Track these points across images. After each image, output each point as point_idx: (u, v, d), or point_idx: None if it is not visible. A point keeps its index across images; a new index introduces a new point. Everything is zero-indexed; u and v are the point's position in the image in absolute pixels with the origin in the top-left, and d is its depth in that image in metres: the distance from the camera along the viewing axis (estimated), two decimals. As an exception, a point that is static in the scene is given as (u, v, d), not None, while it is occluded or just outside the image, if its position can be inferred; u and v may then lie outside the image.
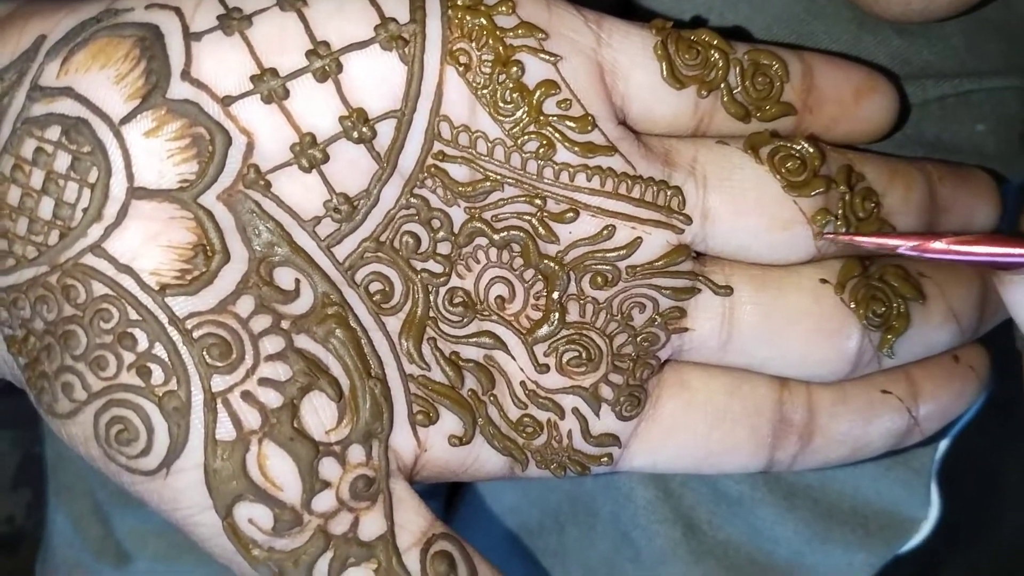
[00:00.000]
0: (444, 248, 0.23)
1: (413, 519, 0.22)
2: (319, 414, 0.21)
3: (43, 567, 0.40)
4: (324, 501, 0.21)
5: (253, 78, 0.21)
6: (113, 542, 0.34)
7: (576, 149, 0.22)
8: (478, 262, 0.23)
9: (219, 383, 0.21)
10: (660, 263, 0.23)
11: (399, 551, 0.22)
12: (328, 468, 0.21)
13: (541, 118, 0.22)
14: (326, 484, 0.21)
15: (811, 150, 0.23)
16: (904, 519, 0.31)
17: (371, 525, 0.22)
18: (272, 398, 0.21)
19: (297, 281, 0.22)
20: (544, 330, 0.23)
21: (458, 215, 0.22)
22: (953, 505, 0.33)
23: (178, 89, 0.20)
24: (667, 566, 0.30)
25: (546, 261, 0.23)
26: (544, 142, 0.22)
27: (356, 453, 0.22)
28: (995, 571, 0.35)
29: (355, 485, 0.22)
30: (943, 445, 0.33)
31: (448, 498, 0.38)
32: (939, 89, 0.27)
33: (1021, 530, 0.34)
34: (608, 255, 0.23)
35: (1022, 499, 0.35)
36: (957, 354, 0.26)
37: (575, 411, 0.24)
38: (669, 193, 0.23)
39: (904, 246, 0.22)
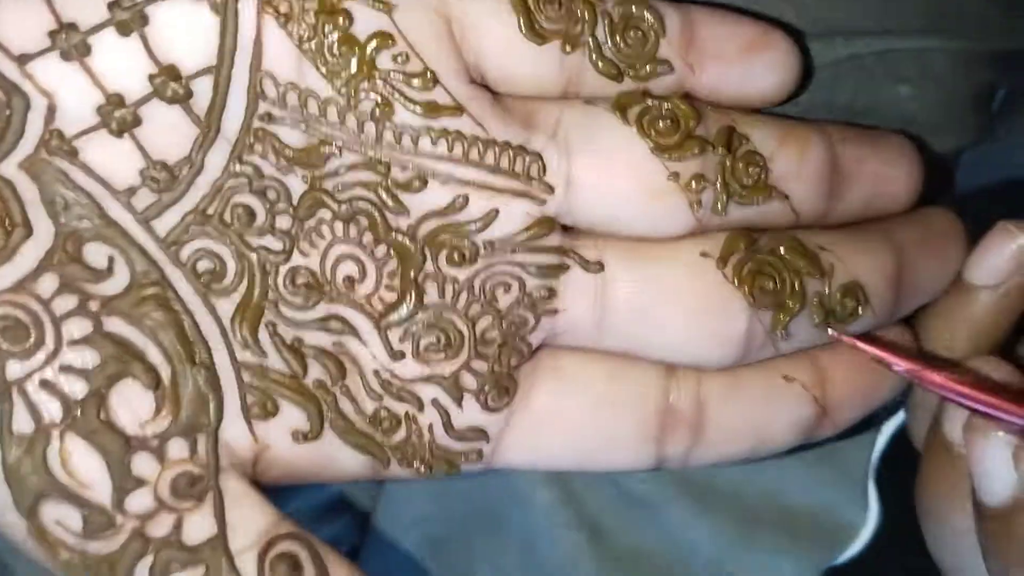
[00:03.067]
0: (283, 222, 0.21)
1: (251, 519, 0.20)
2: (132, 405, 0.19)
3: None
4: (140, 501, 0.19)
5: (51, 34, 0.19)
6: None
7: (417, 109, 0.20)
8: (323, 237, 0.21)
9: (15, 370, 0.19)
10: (523, 237, 0.21)
11: (231, 555, 0.20)
12: (143, 464, 0.19)
13: (375, 73, 0.20)
14: (141, 482, 0.19)
15: (684, 108, 0.21)
16: (837, 525, 0.29)
17: (198, 527, 0.20)
18: (76, 387, 0.19)
19: (110, 258, 0.20)
20: (399, 313, 0.21)
21: (296, 185, 0.20)
22: (895, 510, 0.30)
23: None
24: (575, 574, 0.27)
25: (397, 235, 0.21)
26: (380, 101, 0.20)
27: (177, 448, 0.20)
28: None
29: (176, 483, 0.20)
30: (880, 443, 0.30)
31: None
32: (851, 47, 0.25)
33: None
34: (463, 228, 0.21)
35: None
36: (873, 336, 0.24)
37: (435, 403, 0.22)
38: (528, 159, 0.21)
39: (900, 367, 0.22)
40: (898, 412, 0.31)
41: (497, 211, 0.21)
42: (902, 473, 0.30)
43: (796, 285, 0.22)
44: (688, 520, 0.27)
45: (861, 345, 0.22)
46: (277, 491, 0.22)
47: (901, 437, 0.30)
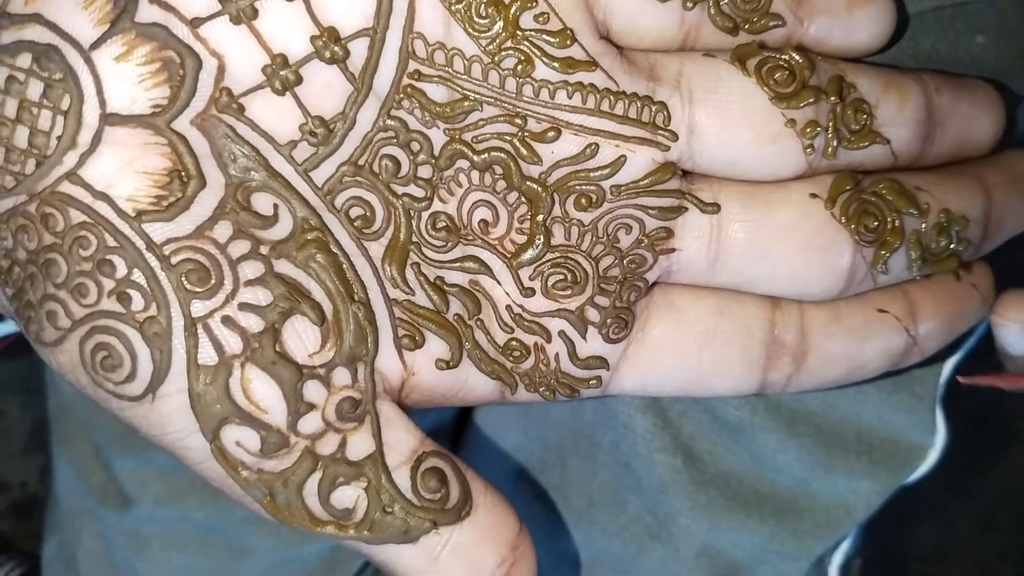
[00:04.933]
0: (425, 172, 0.22)
1: (402, 438, 0.22)
2: (302, 338, 0.21)
3: (51, 518, 0.41)
4: (310, 423, 0.21)
5: None
6: (115, 486, 0.35)
7: (555, 65, 0.21)
8: (460, 185, 0.22)
9: (199, 308, 0.21)
10: (646, 182, 0.23)
11: (388, 469, 0.22)
12: (313, 391, 0.21)
13: (518, 33, 0.21)
14: (311, 406, 0.21)
15: (799, 60, 0.22)
16: (909, 446, 0.31)
17: (359, 445, 0.22)
18: (253, 322, 0.21)
19: (275, 206, 0.21)
20: (529, 254, 0.23)
21: (438, 137, 0.22)
22: (961, 435, 0.32)
23: (147, 12, 0.20)
24: (669, 496, 0.29)
25: (529, 183, 0.22)
26: (522, 58, 0.21)
27: (341, 376, 0.22)
28: (1006, 502, 0.34)
29: (341, 407, 0.22)
30: (947, 369, 0.32)
31: (453, 442, 0.38)
32: (934, 0, 0.26)
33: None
34: (592, 175, 0.22)
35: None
36: (959, 272, 0.25)
37: (562, 334, 0.23)
38: (654, 109, 0.22)
39: None
40: (961, 346, 0.32)
41: (624, 158, 0.22)
42: (966, 401, 0.32)
43: (896, 223, 0.23)
44: (777, 445, 0.29)
45: (1000, 382, 0.24)
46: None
47: (963, 368, 0.32)
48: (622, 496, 0.30)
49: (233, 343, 0.21)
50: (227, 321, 0.21)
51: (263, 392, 0.21)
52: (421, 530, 0.22)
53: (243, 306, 0.21)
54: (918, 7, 0.26)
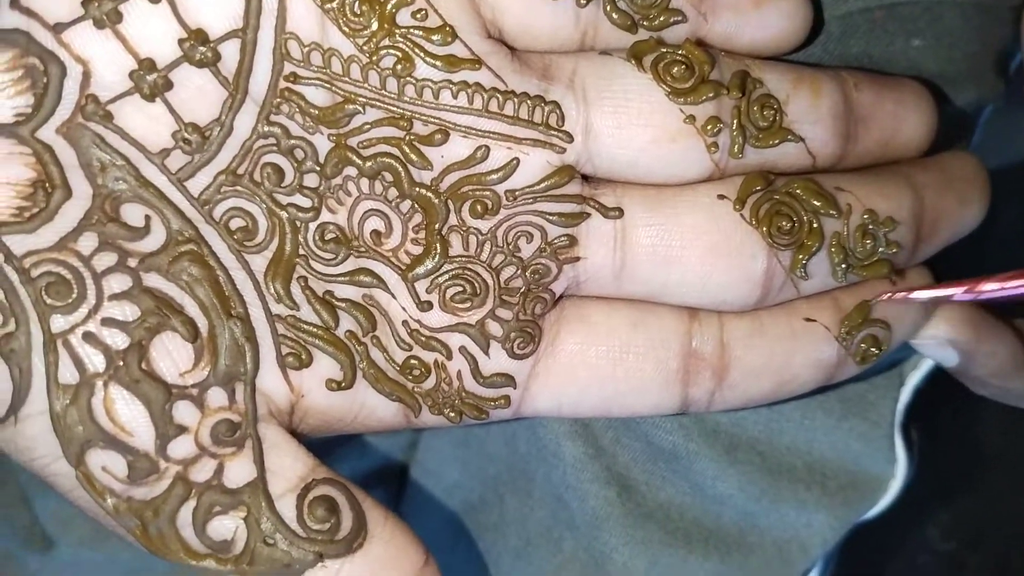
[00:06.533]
0: (311, 180, 0.21)
1: (289, 465, 0.21)
2: (172, 356, 0.20)
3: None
4: (182, 447, 0.20)
5: (84, 3, 0.20)
6: (39, 528, 0.33)
7: (437, 63, 0.20)
8: (349, 195, 0.21)
9: (59, 323, 0.19)
10: (542, 186, 0.21)
11: (271, 497, 0.20)
12: (184, 412, 0.20)
13: (396, 30, 0.20)
14: (182, 429, 0.20)
15: (697, 53, 0.21)
16: (868, 477, 0.29)
17: (238, 472, 0.20)
18: (118, 339, 0.20)
19: (147, 217, 0.20)
20: (425, 266, 0.22)
21: (322, 143, 0.21)
22: (924, 463, 0.30)
23: (7, 18, 0.19)
24: (603, 531, 0.28)
25: (420, 190, 0.21)
26: (401, 56, 0.20)
27: (216, 396, 0.20)
28: (976, 533, 0.32)
29: (216, 430, 0.20)
30: (905, 395, 0.30)
31: (400, 482, 0.37)
32: (861, 1, 0.25)
33: (1003, 488, 0.32)
34: (485, 179, 0.21)
35: (1003, 453, 0.32)
36: (894, 278, 0.24)
37: (463, 350, 0.22)
38: (546, 109, 0.21)
39: (957, 292, 0.22)
40: (922, 365, 0.31)
41: (517, 160, 0.21)
42: (929, 425, 0.30)
43: (814, 224, 0.22)
44: (716, 472, 0.27)
45: (915, 294, 0.23)
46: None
47: (926, 390, 0.30)
48: (557, 533, 0.28)
49: (96, 361, 0.20)
50: (89, 337, 0.20)
51: (128, 413, 0.20)
52: (305, 563, 0.20)
53: (107, 321, 0.20)
54: (844, 8, 0.25)
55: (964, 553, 0.30)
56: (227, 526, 0.20)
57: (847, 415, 0.28)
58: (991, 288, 0.22)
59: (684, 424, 0.26)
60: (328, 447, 0.29)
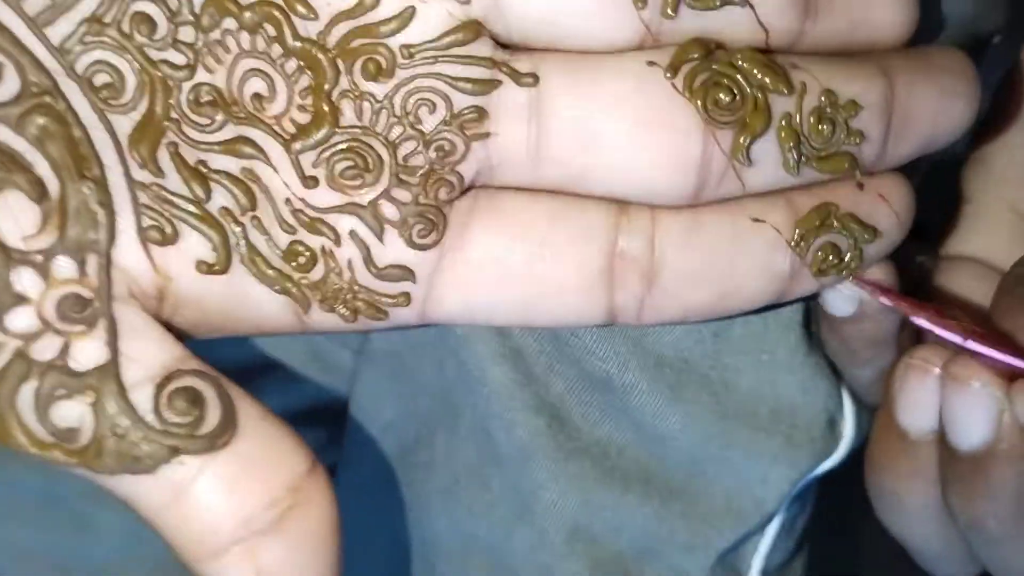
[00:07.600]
0: (187, 34, 0.19)
1: (150, 351, 0.19)
2: (16, 218, 0.18)
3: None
4: (22, 319, 0.18)
5: None
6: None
7: None
8: (228, 51, 0.19)
9: None
10: (443, 42, 0.19)
11: (123, 384, 0.18)
12: (27, 280, 0.18)
13: None
14: (23, 299, 0.18)
15: None
16: (823, 425, 0.25)
17: (87, 353, 0.18)
18: None
19: (0, 65, 0.18)
20: (312, 136, 0.19)
21: None
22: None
23: None
24: (531, 465, 0.25)
25: (305, 44, 0.19)
26: None
27: (64, 266, 0.18)
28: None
29: (63, 304, 0.18)
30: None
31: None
32: None
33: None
34: (376, 31, 0.19)
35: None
36: (861, 180, 0.21)
37: (353, 235, 0.20)
38: None
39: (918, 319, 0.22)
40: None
41: (413, 9, 0.19)
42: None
43: (759, 100, 0.19)
44: (654, 410, 0.24)
45: (884, 299, 0.22)
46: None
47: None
48: (486, 471, 0.26)
49: None
50: None
51: None
52: (157, 458, 0.18)
53: None
54: None
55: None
56: (73, 412, 0.18)
57: (805, 357, 0.24)
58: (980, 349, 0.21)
59: (619, 351, 0.23)
60: (250, 376, 0.27)
